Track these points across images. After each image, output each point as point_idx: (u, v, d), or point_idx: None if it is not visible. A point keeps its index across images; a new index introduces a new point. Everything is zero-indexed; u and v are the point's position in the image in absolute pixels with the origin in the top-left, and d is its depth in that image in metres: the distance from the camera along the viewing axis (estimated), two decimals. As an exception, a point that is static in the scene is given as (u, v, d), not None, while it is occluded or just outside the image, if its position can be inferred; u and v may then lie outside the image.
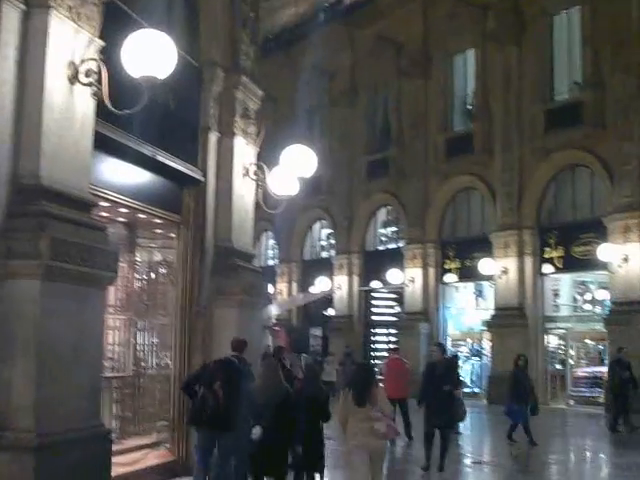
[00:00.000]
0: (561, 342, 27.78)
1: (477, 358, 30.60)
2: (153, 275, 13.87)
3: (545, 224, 27.95)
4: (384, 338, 33.84)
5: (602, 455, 17.99)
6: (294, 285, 38.43)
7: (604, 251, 24.60)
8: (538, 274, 27.87)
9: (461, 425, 19.47)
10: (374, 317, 34.82)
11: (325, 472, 11.00)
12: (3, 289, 7.93)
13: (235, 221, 13.45)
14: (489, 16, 29.35)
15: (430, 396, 13.74)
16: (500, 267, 28.10)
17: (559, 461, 16.62)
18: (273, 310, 31.36)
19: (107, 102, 8.69)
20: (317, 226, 38.81)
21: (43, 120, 8.22)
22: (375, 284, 34.37)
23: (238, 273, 13.12)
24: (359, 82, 35.25)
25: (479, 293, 31.94)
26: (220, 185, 13.33)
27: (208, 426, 10.15)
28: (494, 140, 29.13)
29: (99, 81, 8.66)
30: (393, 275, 32.30)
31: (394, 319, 33.89)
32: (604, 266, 25.09)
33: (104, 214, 11.16)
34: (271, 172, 12.96)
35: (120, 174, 11.05)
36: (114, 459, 9.50)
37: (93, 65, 8.66)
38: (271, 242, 41.41)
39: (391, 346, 26.17)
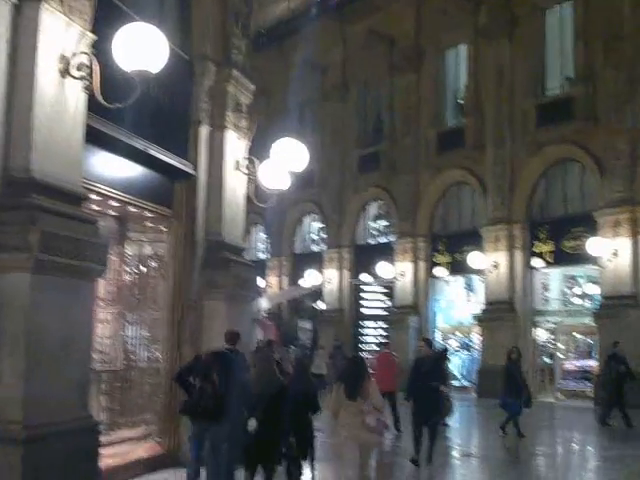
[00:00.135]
0: (550, 336, 27.85)
1: (467, 352, 30.66)
2: (143, 268, 13.85)
3: (536, 218, 28.02)
4: (374, 332, 33.84)
5: (590, 448, 18.10)
6: (284, 279, 38.43)
7: (594, 245, 24.70)
8: (528, 268, 27.96)
9: (450, 418, 19.58)
10: (364, 311, 34.82)
11: (315, 463, 11.04)
12: (-7, 282, 7.96)
13: (226, 215, 13.48)
14: (481, 11, 29.38)
15: (417, 392, 13.78)
16: (490, 261, 28.18)
17: (547, 453, 16.70)
18: (263, 303, 31.38)
19: (98, 96, 8.71)
20: (308, 220, 38.79)
21: (34, 113, 8.24)
22: (365, 278, 34.37)
23: (229, 267, 13.14)
24: (351, 77, 35.23)
25: (469, 287, 31.99)
26: (211, 179, 13.35)
27: (206, 417, 10.18)
28: (486, 135, 29.18)
29: (90, 75, 8.68)
30: (383, 269, 32.31)
31: (384, 313, 33.89)
32: (594, 260, 25.20)
33: (95, 207, 11.16)
34: (262, 166, 12.99)
35: (111, 167, 11.07)
36: (103, 451, 9.54)
37: (85, 59, 8.68)
38: (262, 236, 41.36)
39: (381, 340, 26.22)
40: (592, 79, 25.81)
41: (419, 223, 31.61)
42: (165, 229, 13.06)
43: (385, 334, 31.69)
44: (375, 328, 33.96)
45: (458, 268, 30.62)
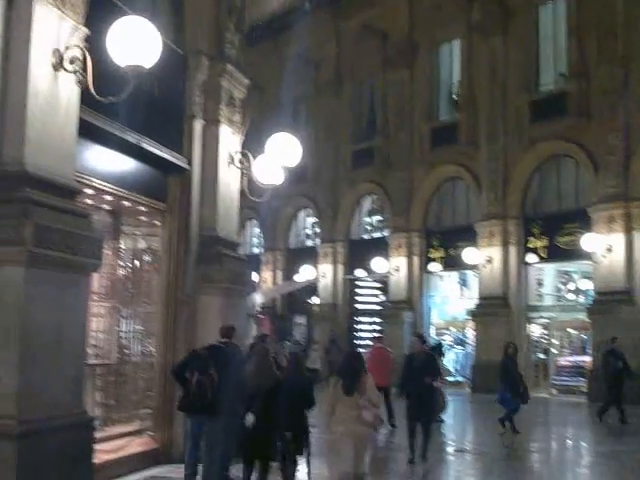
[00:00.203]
0: (544, 331, 27.91)
1: (461, 347, 30.71)
2: (138, 263, 13.83)
3: (530, 214, 28.05)
4: (368, 327, 33.83)
5: (584, 443, 18.13)
6: (279, 273, 38.44)
7: (588, 241, 24.73)
8: (522, 264, 27.99)
9: (445, 413, 19.60)
10: (358, 306, 34.85)
11: (311, 459, 11.03)
12: (-14, 276, 7.94)
13: (220, 209, 13.46)
14: (475, 6, 29.30)
15: (410, 388, 13.78)
16: (484, 256, 28.20)
17: (541, 449, 16.73)
18: (258, 298, 31.41)
19: (92, 90, 8.68)
20: (302, 214, 38.81)
21: (27, 107, 8.20)
22: (360, 273, 34.41)
23: (223, 261, 13.13)
24: (345, 72, 35.21)
25: (463, 282, 32.04)
26: (205, 173, 13.34)
27: (205, 411, 10.20)
28: (479, 130, 29.19)
29: (84, 68, 8.65)
30: (378, 264, 32.34)
31: (378, 308, 33.92)
32: (588, 256, 25.22)
33: (89, 201, 11.13)
34: (256, 160, 12.99)
35: (105, 161, 11.04)
36: (97, 446, 9.54)
37: (78, 52, 8.65)
38: (256, 230, 41.38)
39: (375, 335, 26.21)
40: (585, 75, 25.81)
41: (413, 218, 31.61)
42: (159, 223, 13.04)
43: (379, 329, 31.66)
44: (370, 323, 33.96)
45: (452, 263, 30.66)
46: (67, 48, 8.61)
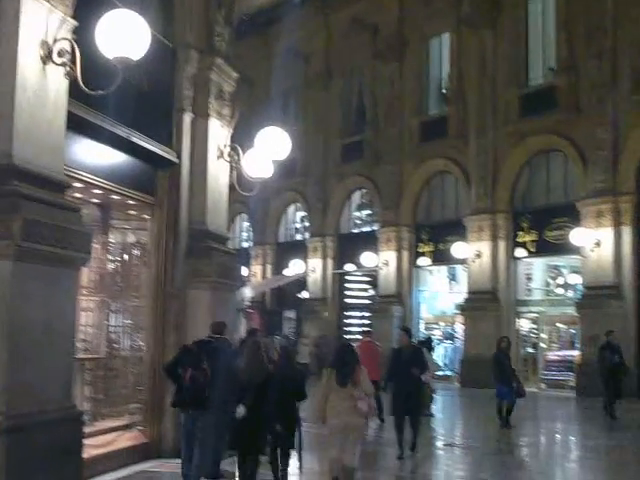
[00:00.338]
0: (533, 326, 27.98)
1: (450, 341, 30.77)
2: (127, 257, 13.81)
3: (519, 208, 28.09)
4: (358, 321, 33.85)
5: (572, 438, 18.17)
6: (268, 267, 38.43)
7: (577, 236, 24.79)
8: (511, 258, 28.04)
9: (433, 407, 19.64)
10: (348, 300, 34.87)
11: (302, 452, 11.03)
12: (-26, 270, 7.89)
13: (209, 203, 13.42)
14: (464, 0, 29.29)
15: (398, 381, 13.77)
16: (473, 251, 28.23)
17: (530, 443, 16.75)
18: (247, 292, 31.40)
19: (80, 82, 8.63)
20: (291, 209, 38.77)
21: (15, 100, 8.14)
22: (349, 267, 34.43)
23: (212, 255, 13.10)
24: (334, 65, 35.18)
25: (452, 277, 32.11)
26: (194, 167, 13.30)
27: (199, 406, 10.21)
28: (469, 124, 29.21)
29: (72, 61, 8.59)
30: (367, 258, 32.35)
31: (368, 302, 33.97)
32: (577, 250, 25.29)
33: (77, 195, 11.08)
34: (245, 154, 12.95)
35: (94, 155, 10.99)
36: (86, 441, 9.51)
37: (66, 45, 8.60)
38: (245, 224, 41.34)
39: (364, 329, 26.22)
40: (574, 69, 25.87)
41: (403, 212, 31.62)
42: (148, 217, 12.98)
43: (369, 323, 31.66)
44: (359, 317, 33.96)
45: (441, 258, 30.71)
46: (55, 40, 8.55)
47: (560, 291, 28.40)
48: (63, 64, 8.59)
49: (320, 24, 35.31)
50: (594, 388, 21.38)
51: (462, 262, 29.39)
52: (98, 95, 8.74)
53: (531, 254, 27.70)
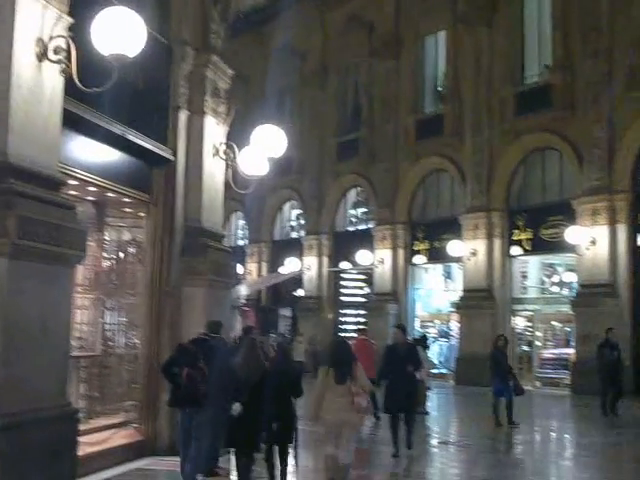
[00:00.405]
0: (528, 324, 27.97)
1: (445, 339, 30.78)
2: (122, 254, 13.80)
3: (514, 206, 28.10)
4: (353, 319, 33.86)
5: (567, 435, 18.20)
6: (264, 265, 38.46)
7: (572, 234, 24.79)
8: (506, 256, 28.05)
9: (428, 405, 19.65)
10: (343, 298, 34.88)
11: (298, 450, 11.04)
12: (-31, 268, 7.86)
13: (205, 201, 13.42)
14: (461, -2, 29.37)
15: (392, 378, 13.76)
16: (469, 249, 28.25)
17: (525, 441, 16.76)
18: (242, 290, 31.40)
19: (76, 80, 8.61)
20: (287, 206, 38.80)
21: (11, 97, 8.11)
22: (344, 265, 34.45)
23: (207, 253, 13.10)
24: (330, 63, 35.18)
25: (448, 275, 32.14)
26: (190, 164, 13.29)
27: (196, 404, 10.24)
28: (464, 122, 29.22)
29: (68, 58, 8.57)
30: (362, 256, 32.38)
31: (363, 300, 33.98)
32: (572, 249, 25.29)
33: (73, 192, 11.07)
34: (241, 152, 12.96)
35: (89, 152, 10.98)
36: (81, 439, 9.49)
37: (62, 42, 8.57)
38: (241, 222, 41.37)
39: (360, 327, 26.23)
40: (570, 67, 25.88)
41: (398, 210, 31.64)
42: (144, 215, 12.98)
43: (364, 321, 31.68)
44: (355, 315, 33.97)
45: (437, 256, 30.72)
46: (51, 38, 8.52)
47: (555, 289, 28.43)
48: (59, 61, 8.57)
49: (316, 22, 35.32)
50: (589, 386, 21.46)
51: (457, 260, 29.40)
52: (94, 92, 8.72)
53: (526, 252, 27.71)
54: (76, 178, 10.53)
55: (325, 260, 35.07)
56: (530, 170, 27.95)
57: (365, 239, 32.65)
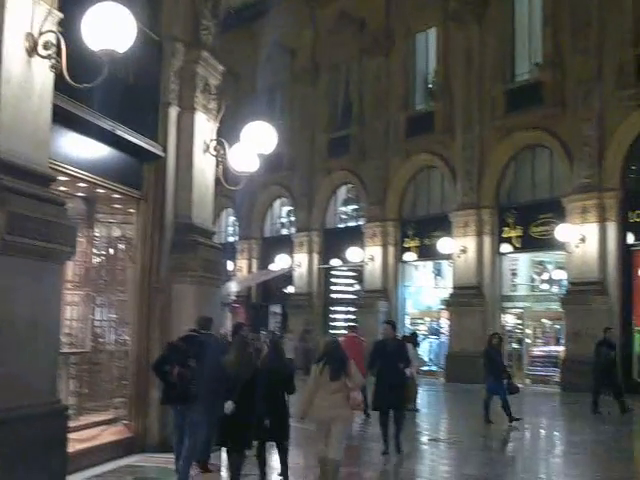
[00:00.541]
0: (518, 321, 28.03)
1: (435, 336, 30.81)
2: (112, 251, 13.77)
3: (504, 204, 28.14)
4: (343, 316, 33.86)
5: (556, 433, 18.25)
6: (254, 262, 38.44)
7: (562, 231, 24.84)
8: (496, 253, 28.09)
9: (418, 402, 19.66)
10: (333, 295, 34.91)
11: (288, 446, 11.06)
12: (-42, 264, 7.83)
13: (195, 197, 13.40)
14: (451, -5, 29.38)
15: (381, 376, 13.73)
16: (459, 246, 28.28)
17: (515, 438, 16.76)
18: (233, 287, 31.36)
19: (66, 75, 8.57)
20: (277, 203, 38.78)
21: (0, 92, 8.08)
22: (335, 262, 34.46)
23: (197, 250, 13.08)
24: (321, 59, 35.15)
25: (438, 272, 32.18)
26: (180, 161, 13.27)
27: (187, 401, 10.24)
28: (455, 119, 29.25)
29: (58, 54, 8.53)
30: (353, 253, 32.39)
31: (353, 297, 34.00)
32: (562, 246, 25.36)
33: (63, 188, 11.03)
34: (232, 148, 12.93)
35: (79, 148, 10.94)
36: (71, 435, 9.46)
37: (52, 37, 8.53)
38: (231, 219, 41.33)
39: (350, 324, 26.22)
40: (560, 65, 25.93)
41: (388, 207, 31.65)
42: (134, 211, 12.94)
43: (354, 318, 31.67)
44: (345, 312, 33.99)
45: (427, 253, 30.73)
46: (41, 33, 8.48)
47: (545, 287, 28.47)
48: (49, 57, 8.53)
49: (307, 18, 35.27)
50: (579, 384, 21.53)
51: (447, 257, 29.44)
52: (84, 88, 8.68)
53: (516, 250, 27.76)
54: (66, 174, 10.49)
55: (315, 257, 35.06)
56: (520, 167, 27.99)
57: (355, 236, 32.65)
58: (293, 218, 37.20)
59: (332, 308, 34.80)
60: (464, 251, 28.17)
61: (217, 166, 13.75)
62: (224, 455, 10.58)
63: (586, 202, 24.53)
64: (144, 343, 12.49)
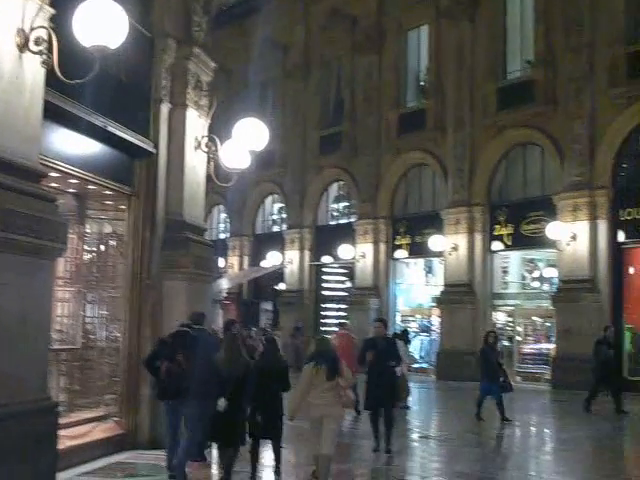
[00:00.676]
0: (509, 319, 28.05)
1: (426, 334, 30.82)
2: (103, 247, 13.74)
3: (495, 201, 28.17)
4: (334, 313, 33.87)
5: (547, 430, 18.29)
6: (245, 259, 38.41)
7: (553, 229, 24.88)
8: (488, 251, 28.12)
9: (409, 400, 19.68)
10: (325, 292, 34.90)
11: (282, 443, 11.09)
12: (-52, 260, 7.80)
13: (186, 194, 13.39)
14: (443, -8, 29.38)
15: (372, 374, 13.71)
16: (450, 244, 28.29)
17: (505, 435, 16.79)
18: (224, 284, 31.34)
19: (57, 71, 8.55)
20: (269, 200, 38.74)
21: (-9, 88, 8.06)
22: (326, 259, 34.46)
23: (189, 246, 13.07)
24: (313, 56, 35.14)
25: (429, 269, 32.20)
26: (171, 157, 13.25)
27: (177, 397, 10.27)
28: (446, 117, 29.26)
29: (49, 49, 8.50)
30: (344, 250, 32.35)
31: (344, 294, 34.00)
32: (553, 244, 25.41)
33: (54, 185, 11.00)
34: (223, 145, 12.91)
35: (70, 144, 10.92)
36: (61, 432, 9.43)
37: (43, 33, 8.49)
38: (223, 215, 41.29)
39: (341, 321, 26.22)
40: (552, 63, 25.95)
41: (380, 205, 31.64)
42: (125, 207, 12.92)
43: (345, 315, 31.68)
44: (336, 309, 33.99)
45: (418, 250, 30.74)
46: (32, 28, 8.44)
47: (536, 284, 28.51)
48: (40, 52, 8.49)
49: (299, 15, 35.27)
50: (569, 381, 21.59)
51: (439, 255, 29.46)
52: (75, 84, 8.65)
53: (507, 247, 27.79)
54: (57, 170, 10.47)
55: (307, 254, 35.06)
56: (511, 165, 28.02)
57: (347, 233, 32.63)
58: (284, 215, 37.18)
59: (323, 305, 34.80)
60: (455, 249, 28.20)
61: (208, 163, 13.73)
62: (214, 451, 10.60)
63: (577, 200, 24.57)
64: (135, 340, 12.49)
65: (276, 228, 38.36)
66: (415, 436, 16.25)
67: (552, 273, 27.21)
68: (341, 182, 34.64)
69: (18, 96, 8.35)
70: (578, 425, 17.76)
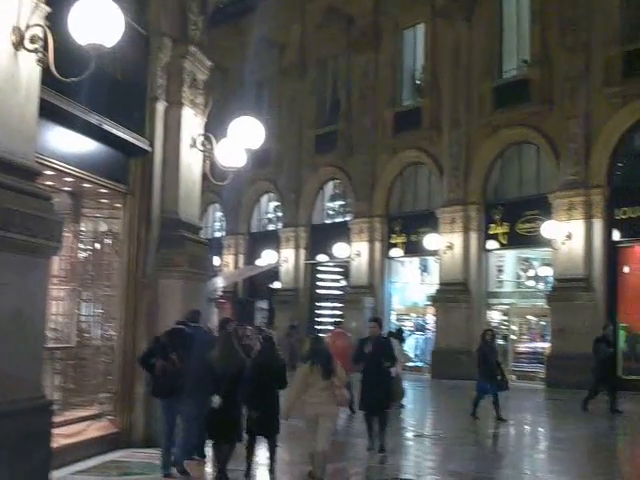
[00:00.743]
0: (504, 318, 28.07)
1: (421, 332, 30.84)
2: (98, 245, 13.71)
3: (491, 200, 28.19)
4: (329, 312, 33.87)
5: (541, 429, 18.34)
6: (241, 257, 38.43)
7: (548, 228, 24.90)
8: (483, 250, 28.14)
9: (404, 399, 19.67)
10: (320, 290, 34.90)
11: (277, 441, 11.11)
12: (-57, 258, 7.79)
13: (182, 192, 13.38)
14: (440, -9, 29.39)
15: (366, 374, 13.69)
16: (445, 242, 28.31)
17: (500, 434, 16.82)
18: (219, 282, 31.33)
19: (53, 69, 8.54)
20: (264, 199, 38.75)
21: (-14, 85, 8.05)
22: (321, 258, 34.47)
23: (184, 245, 13.07)
24: (309, 55, 35.15)
25: (424, 268, 32.22)
26: (167, 155, 13.24)
27: (172, 394, 10.29)
28: (442, 116, 29.27)
29: (45, 47, 8.49)
30: (339, 249, 32.36)
31: (340, 293, 34.00)
32: (548, 243, 25.43)
33: (49, 183, 10.99)
34: (219, 144, 12.91)
35: (66, 143, 10.90)
36: (56, 431, 9.43)
37: (39, 31, 8.48)
38: (218, 214, 41.29)
39: (337, 319, 26.22)
40: (548, 62, 25.98)
41: (375, 203, 31.65)
42: (120, 206, 12.91)
43: (340, 314, 31.70)
44: (331, 308, 33.99)
45: (413, 249, 30.77)
46: (28, 27, 8.43)
47: (531, 283, 28.55)
48: (35, 50, 8.48)
49: (295, 13, 35.27)
50: (564, 380, 21.61)
51: (434, 253, 29.46)
52: (71, 82, 8.65)
53: (502, 246, 27.82)
54: (52, 168, 10.46)
55: (302, 252, 35.08)
56: (507, 164, 28.06)
57: (342, 232, 32.64)
58: (280, 214, 37.19)
59: (318, 304, 34.78)
60: (450, 247, 28.22)
61: (204, 161, 13.73)
62: (209, 448, 10.63)
63: (572, 199, 24.59)
64: (130, 338, 12.48)
65: (271, 227, 38.36)
66: (410, 435, 16.26)
67: (547, 272, 27.24)
68: (337, 181, 34.66)
69: (14, 94, 8.34)
70: (573, 424, 17.77)
